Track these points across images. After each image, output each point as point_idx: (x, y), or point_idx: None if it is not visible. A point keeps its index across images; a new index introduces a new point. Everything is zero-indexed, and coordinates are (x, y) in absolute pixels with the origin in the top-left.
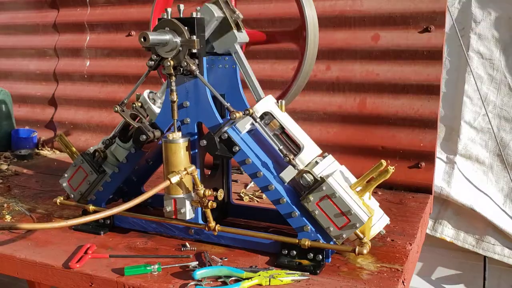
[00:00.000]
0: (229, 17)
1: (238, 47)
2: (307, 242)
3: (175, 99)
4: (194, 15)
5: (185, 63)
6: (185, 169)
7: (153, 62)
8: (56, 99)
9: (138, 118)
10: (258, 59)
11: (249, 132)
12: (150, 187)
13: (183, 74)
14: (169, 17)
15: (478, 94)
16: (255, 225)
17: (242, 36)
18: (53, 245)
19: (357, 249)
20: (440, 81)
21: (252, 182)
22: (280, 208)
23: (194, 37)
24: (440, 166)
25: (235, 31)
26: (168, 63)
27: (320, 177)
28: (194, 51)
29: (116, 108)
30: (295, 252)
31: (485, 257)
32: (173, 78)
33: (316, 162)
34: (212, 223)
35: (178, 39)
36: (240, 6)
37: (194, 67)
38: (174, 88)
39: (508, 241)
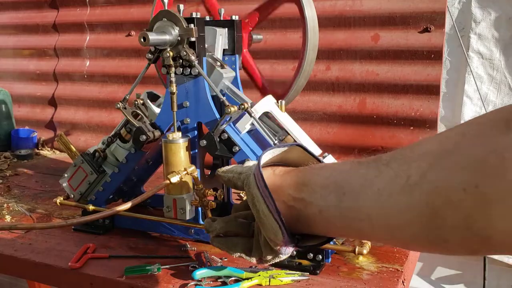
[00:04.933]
0: (210, 60)
1: (227, 82)
2: None
3: (174, 91)
4: (194, 15)
5: (185, 52)
6: (185, 169)
7: (152, 55)
8: (56, 99)
9: (139, 116)
10: (258, 59)
11: (249, 132)
12: (150, 187)
13: (183, 65)
14: (166, 8)
15: (478, 94)
16: None
17: (227, 71)
18: (53, 245)
19: (357, 249)
20: (440, 81)
21: None
22: None
23: (192, 25)
24: None
25: (218, 68)
26: (168, 54)
27: None
28: (193, 39)
29: (118, 105)
30: (294, 252)
31: (485, 257)
32: (173, 69)
33: None
34: None
35: (176, 29)
36: (240, 6)
37: (193, 57)
38: (173, 79)
39: None
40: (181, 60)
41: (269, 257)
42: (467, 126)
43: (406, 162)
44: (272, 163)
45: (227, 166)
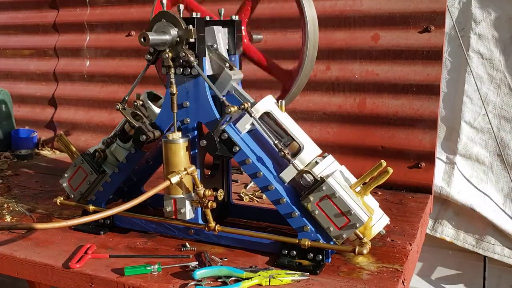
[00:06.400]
0: (219, 61)
1: (235, 84)
2: (307, 242)
3: (174, 92)
4: (194, 15)
5: (183, 53)
6: (185, 169)
7: (151, 56)
8: (56, 99)
9: (139, 116)
10: None
11: (249, 132)
12: (150, 187)
13: (182, 66)
14: (165, 9)
15: (478, 94)
16: (255, 225)
17: (236, 73)
18: (53, 245)
19: (357, 249)
20: (440, 81)
21: (252, 182)
22: (280, 208)
23: (191, 26)
24: (440, 166)
25: (227, 70)
26: (167, 55)
27: (320, 177)
28: (192, 40)
29: (118, 106)
30: (295, 252)
31: (485, 257)
32: (172, 70)
33: (316, 162)
34: (212, 223)
35: (175, 30)
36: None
37: (192, 58)
38: (173, 80)
39: (508, 241)
40: (180, 61)
41: None
42: None
43: None
44: None
45: None
